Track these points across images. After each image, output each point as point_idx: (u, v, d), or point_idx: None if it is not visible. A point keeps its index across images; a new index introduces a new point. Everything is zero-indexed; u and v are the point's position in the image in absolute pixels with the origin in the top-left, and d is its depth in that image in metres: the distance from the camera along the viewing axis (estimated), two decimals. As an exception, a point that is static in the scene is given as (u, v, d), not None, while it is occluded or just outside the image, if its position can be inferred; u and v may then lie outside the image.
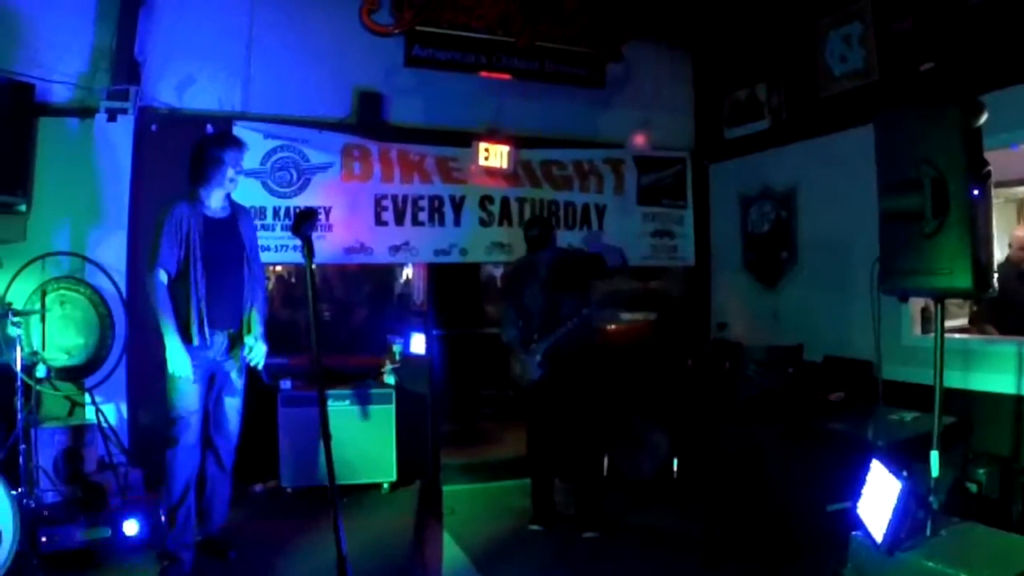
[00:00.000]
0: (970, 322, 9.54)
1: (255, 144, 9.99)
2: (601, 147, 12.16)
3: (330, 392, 9.32)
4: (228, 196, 7.53)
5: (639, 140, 12.02)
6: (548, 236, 9.05)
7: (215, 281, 7.20)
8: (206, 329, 7.12)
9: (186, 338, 7.03)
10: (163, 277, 7.07)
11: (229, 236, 7.45)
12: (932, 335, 5.41)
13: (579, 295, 8.69)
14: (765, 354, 9.22)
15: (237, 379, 7.55)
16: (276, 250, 10.21)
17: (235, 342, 7.45)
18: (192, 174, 7.33)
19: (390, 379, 10.19)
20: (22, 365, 7.70)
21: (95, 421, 8.72)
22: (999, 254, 6.63)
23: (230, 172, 7.34)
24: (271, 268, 12.52)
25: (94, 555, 7.01)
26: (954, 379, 7.60)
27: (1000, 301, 8.28)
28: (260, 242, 9.19)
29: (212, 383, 7.41)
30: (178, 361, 6.95)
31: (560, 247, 9.43)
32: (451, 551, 7.98)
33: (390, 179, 10.87)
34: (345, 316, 13.25)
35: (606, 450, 9.73)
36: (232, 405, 7.55)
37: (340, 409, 9.50)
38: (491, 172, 11.26)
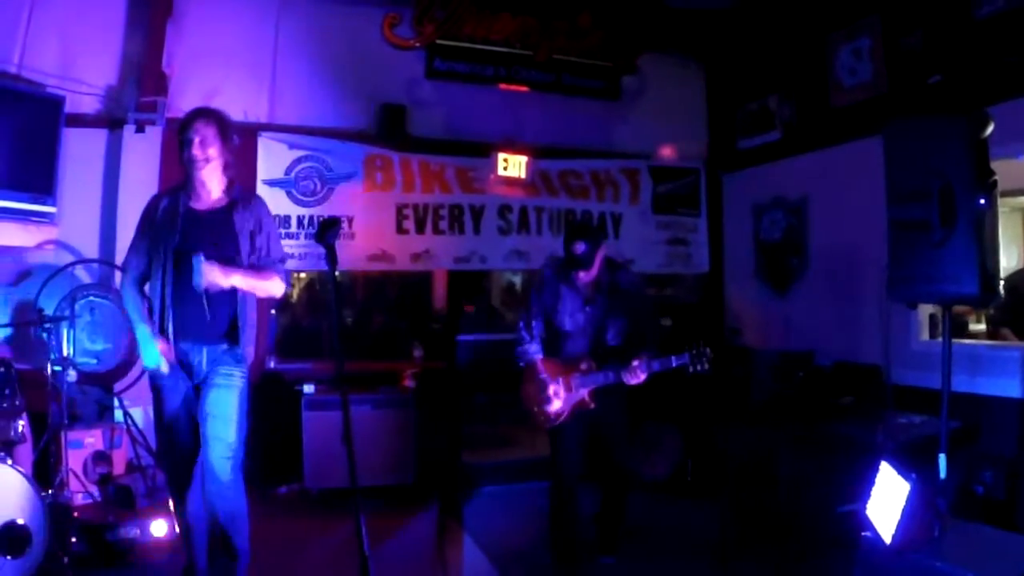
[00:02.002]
0: (987, 326, 9.53)
1: (280, 154, 10.09)
2: (617, 157, 12.17)
3: (352, 396, 9.32)
4: (230, 185, 6.32)
5: (667, 152, 12.03)
6: (596, 252, 7.16)
7: (189, 284, 5.82)
8: (174, 346, 5.96)
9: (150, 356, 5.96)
10: (130, 279, 6.23)
11: (217, 230, 6.13)
12: (940, 340, 5.39)
13: (624, 322, 7.27)
14: (777, 359, 9.22)
15: (225, 399, 6.05)
16: (300, 258, 10.24)
17: (222, 355, 6.12)
18: None
19: (410, 383, 10.20)
20: (52, 370, 7.74)
21: (123, 424, 8.75)
22: (1005, 262, 6.62)
23: (185, 153, 6.07)
24: (295, 275, 12.54)
25: (122, 555, 7.03)
26: (961, 383, 7.56)
27: (1017, 305, 8.27)
28: (285, 249, 9.25)
29: (190, 412, 6.12)
30: (146, 351, 5.94)
31: (613, 262, 7.57)
32: (472, 552, 7.97)
33: (411, 189, 10.88)
34: (367, 322, 13.26)
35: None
36: (215, 439, 5.96)
37: (362, 413, 9.47)
38: (510, 182, 11.25)
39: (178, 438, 6.14)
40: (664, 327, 7.35)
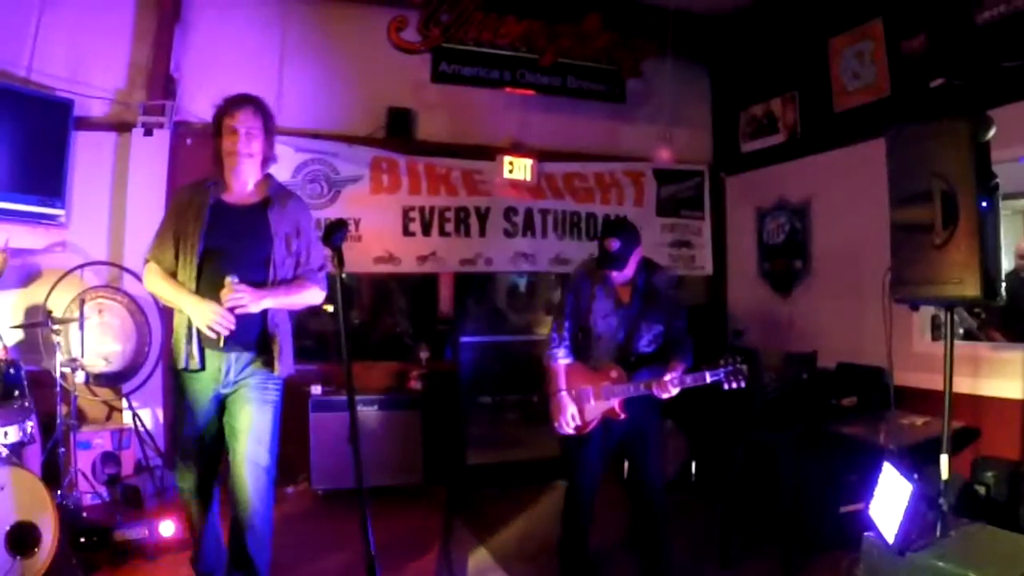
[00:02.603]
0: (978, 328, 9.52)
1: (287, 157, 10.05)
2: (622, 160, 12.21)
3: (359, 397, 9.32)
4: (266, 178, 5.89)
5: (664, 155, 12.03)
6: (631, 251, 6.50)
7: (217, 285, 5.41)
8: (195, 347, 5.51)
9: (186, 363, 5.56)
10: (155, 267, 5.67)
11: (250, 228, 5.65)
12: (942, 342, 5.39)
13: (659, 328, 6.67)
14: (780, 360, 9.20)
15: (259, 418, 5.69)
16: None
17: (253, 366, 5.69)
18: None
19: (416, 384, 10.21)
20: (61, 371, 7.76)
21: (132, 425, 8.78)
22: (1007, 264, 6.62)
23: (227, 142, 5.70)
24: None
25: (131, 555, 7.03)
26: (963, 385, 7.59)
27: (1009, 308, 8.27)
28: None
29: (219, 422, 5.76)
30: (198, 311, 5.41)
31: (650, 262, 6.90)
32: (477, 552, 7.97)
33: (417, 191, 10.92)
34: (373, 323, 13.28)
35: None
36: (250, 461, 5.63)
37: (369, 413, 9.51)
38: (515, 184, 11.31)
39: (203, 445, 5.72)
40: (686, 340, 6.90)
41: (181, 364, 5.60)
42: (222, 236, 5.57)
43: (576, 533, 6.81)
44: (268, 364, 5.72)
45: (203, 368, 5.56)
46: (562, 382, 6.58)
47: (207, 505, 5.86)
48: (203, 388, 5.64)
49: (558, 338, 6.70)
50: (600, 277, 6.62)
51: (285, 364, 5.79)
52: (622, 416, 6.41)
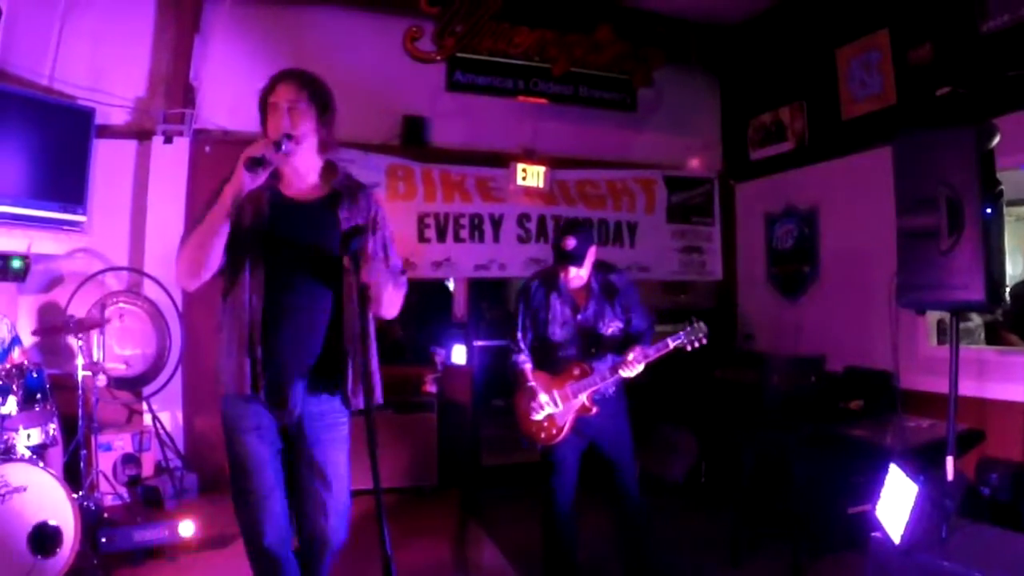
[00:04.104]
0: (990, 330, 9.52)
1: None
2: (633, 168, 12.21)
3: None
4: (328, 169, 4.78)
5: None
6: (586, 248, 6.36)
7: (280, 299, 4.42)
8: (258, 370, 4.39)
9: (236, 386, 4.43)
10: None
11: (314, 228, 4.52)
12: (948, 346, 5.39)
13: (621, 323, 6.58)
14: (789, 364, 9.20)
15: (338, 476, 4.71)
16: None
17: (324, 403, 4.58)
18: None
19: (432, 388, 10.22)
20: (83, 375, 7.78)
21: (152, 428, 8.81)
22: (1011, 270, 6.62)
23: (270, 122, 4.66)
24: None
25: (151, 555, 7.05)
26: (968, 388, 7.58)
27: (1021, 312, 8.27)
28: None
29: (285, 459, 4.64)
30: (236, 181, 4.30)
31: (603, 263, 6.77)
32: (492, 552, 7.98)
33: (432, 198, 10.93)
34: (389, 327, 13.29)
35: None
36: (331, 522, 4.69)
37: (385, 416, 9.48)
38: (528, 191, 11.32)
39: (257, 486, 4.51)
40: (647, 323, 6.84)
41: (230, 388, 4.48)
42: (287, 234, 4.49)
43: (558, 543, 6.65)
44: (342, 394, 4.61)
45: (269, 399, 4.48)
46: (531, 377, 6.49)
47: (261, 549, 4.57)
48: (260, 420, 4.55)
49: (515, 346, 6.65)
50: (554, 285, 6.56)
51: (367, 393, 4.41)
52: (594, 410, 6.33)
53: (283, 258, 4.45)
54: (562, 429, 6.38)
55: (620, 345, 6.48)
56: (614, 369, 6.20)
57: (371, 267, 4.25)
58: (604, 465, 6.60)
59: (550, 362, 6.56)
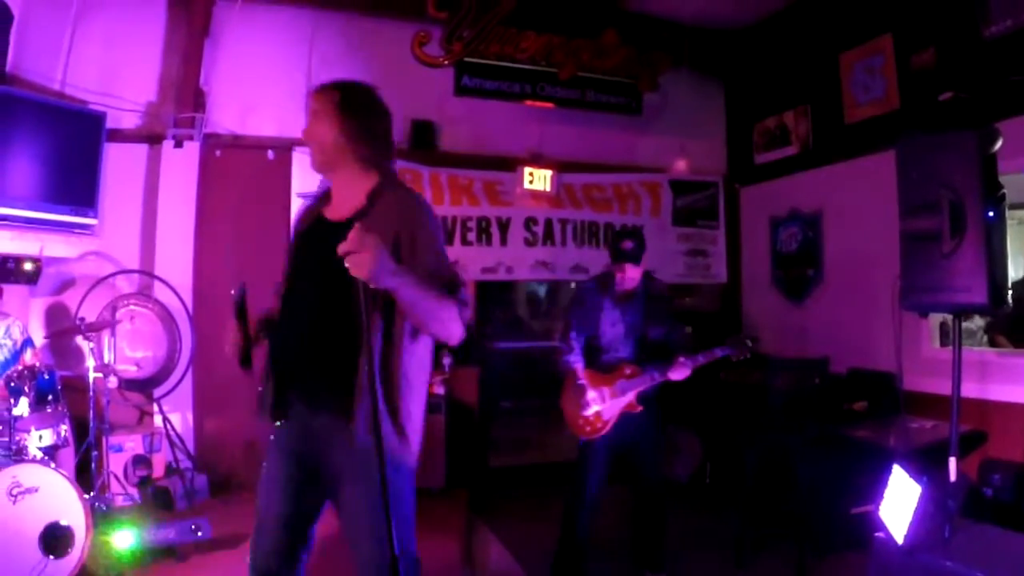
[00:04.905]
0: (985, 331, 9.53)
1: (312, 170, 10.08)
2: (639, 171, 12.23)
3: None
4: (379, 186, 4.04)
5: (680, 166, 12.04)
6: (641, 252, 6.88)
7: (302, 321, 3.99)
8: (269, 393, 4.06)
9: (259, 409, 4.12)
10: None
11: (329, 249, 3.49)
12: (950, 348, 5.39)
13: (661, 328, 7.05)
14: (793, 366, 9.21)
15: (371, 524, 3.71)
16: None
17: (344, 430, 3.80)
18: None
19: (440, 389, 10.23)
20: (94, 377, 7.79)
21: (163, 429, 8.82)
22: (1013, 273, 6.63)
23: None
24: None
25: (161, 556, 7.04)
26: (971, 390, 7.58)
27: (1017, 316, 8.26)
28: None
29: (307, 490, 4.07)
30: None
31: (647, 273, 7.15)
32: (499, 554, 7.98)
33: (440, 202, 10.93)
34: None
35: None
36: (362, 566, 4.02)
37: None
38: (535, 195, 11.31)
39: (258, 506, 4.15)
40: (686, 334, 7.23)
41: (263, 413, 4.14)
42: (314, 258, 4.01)
43: (576, 539, 6.94)
44: (371, 432, 3.54)
45: (275, 416, 4.08)
46: (582, 375, 6.79)
47: None
48: (281, 440, 4.15)
49: (567, 347, 6.96)
50: (608, 288, 7.03)
51: (406, 440, 4.00)
52: (639, 409, 6.70)
53: (299, 286, 4.06)
54: (607, 424, 6.76)
55: (662, 349, 6.89)
56: (663, 371, 6.63)
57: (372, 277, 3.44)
58: (634, 462, 7.10)
59: (599, 361, 6.97)
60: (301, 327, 3.99)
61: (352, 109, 4.11)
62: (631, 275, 6.90)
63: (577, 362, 6.91)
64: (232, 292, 4.10)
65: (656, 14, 11.51)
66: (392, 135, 4.34)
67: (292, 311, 4.06)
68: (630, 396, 6.74)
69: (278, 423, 4.04)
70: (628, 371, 6.80)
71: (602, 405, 6.73)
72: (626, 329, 7.01)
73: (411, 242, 3.83)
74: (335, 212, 4.09)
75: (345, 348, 3.78)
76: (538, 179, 11.21)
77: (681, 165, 12.00)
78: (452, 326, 3.83)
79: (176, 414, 9.26)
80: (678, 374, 6.65)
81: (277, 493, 4.11)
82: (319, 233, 4.02)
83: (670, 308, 7.24)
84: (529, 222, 11.48)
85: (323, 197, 4.26)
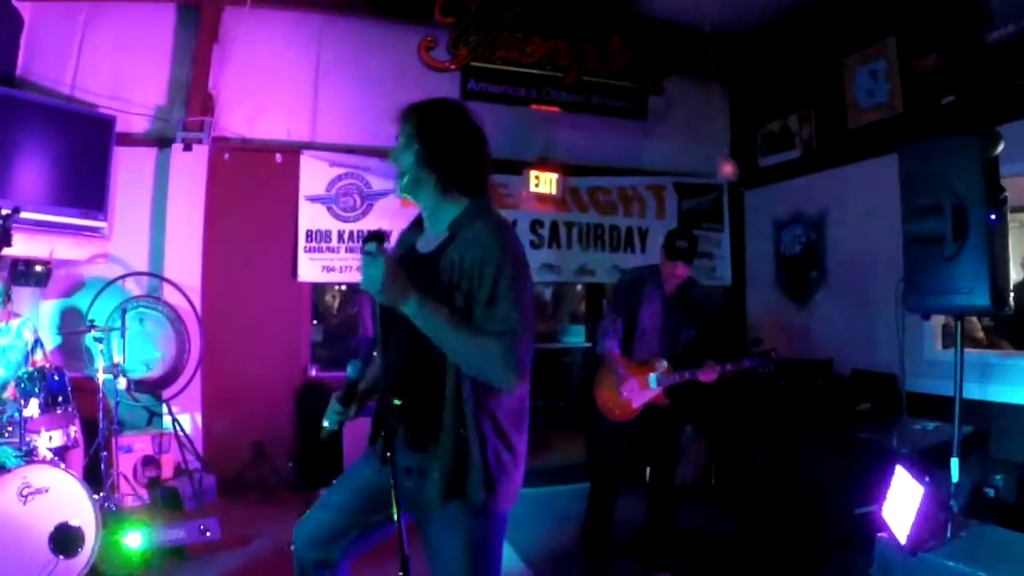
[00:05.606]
0: (985, 335, 9.53)
1: (321, 171, 10.17)
2: (644, 175, 12.22)
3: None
4: (464, 214, 3.84)
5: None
6: (693, 254, 7.17)
7: (391, 360, 3.89)
8: (379, 441, 4.12)
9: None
10: None
11: (423, 282, 3.58)
12: (952, 350, 5.39)
13: (694, 332, 7.44)
14: (797, 368, 9.21)
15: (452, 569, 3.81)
16: (341, 270, 10.30)
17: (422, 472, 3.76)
18: None
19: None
20: (104, 378, 7.80)
21: (172, 430, 8.83)
22: (1015, 276, 6.63)
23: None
24: (336, 288, 12.67)
25: (170, 556, 7.06)
26: (973, 391, 7.58)
27: (1017, 318, 8.26)
28: (325, 262, 9.31)
29: (380, 504, 3.74)
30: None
31: (690, 277, 7.41)
32: (507, 555, 7.97)
33: (446, 204, 10.82)
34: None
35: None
36: None
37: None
38: (541, 198, 11.32)
39: (327, 492, 4.32)
40: (689, 335, 7.37)
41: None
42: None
43: (601, 519, 7.32)
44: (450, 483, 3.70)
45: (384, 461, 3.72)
46: (621, 363, 7.12)
47: None
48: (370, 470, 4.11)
49: (612, 331, 7.22)
50: (655, 281, 7.31)
51: (496, 493, 3.91)
52: (666, 402, 7.04)
53: (399, 319, 3.61)
54: (636, 411, 7.11)
55: (691, 348, 7.22)
56: (694, 372, 6.89)
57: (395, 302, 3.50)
58: (650, 452, 7.43)
59: (631, 349, 7.30)
60: (402, 374, 3.82)
61: (431, 134, 3.93)
62: (680, 273, 7.18)
63: (615, 348, 7.17)
64: (346, 374, 4.15)
65: (661, 19, 11.53)
66: (484, 158, 4.10)
67: (391, 351, 3.86)
68: (659, 390, 7.07)
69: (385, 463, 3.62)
70: (661, 366, 7.08)
71: (634, 394, 7.05)
72: (663, 324, 7.27)
73: (478, 277, 3.58)
74: (425, 243, 3.91)
75: (433, 395, 3.67)
76: (544, 182, 11.21)
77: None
78: (490, 372, 3.57)
79: (185, 415, 9.25)
80: (708, 376, 6.89)
81: (351, 487, 4.15)
82: (411, 267, 3.65)
83: (705, 312, 7.53)
84: (535, 225, 11.51)
85: (415, 224, 4.11)
